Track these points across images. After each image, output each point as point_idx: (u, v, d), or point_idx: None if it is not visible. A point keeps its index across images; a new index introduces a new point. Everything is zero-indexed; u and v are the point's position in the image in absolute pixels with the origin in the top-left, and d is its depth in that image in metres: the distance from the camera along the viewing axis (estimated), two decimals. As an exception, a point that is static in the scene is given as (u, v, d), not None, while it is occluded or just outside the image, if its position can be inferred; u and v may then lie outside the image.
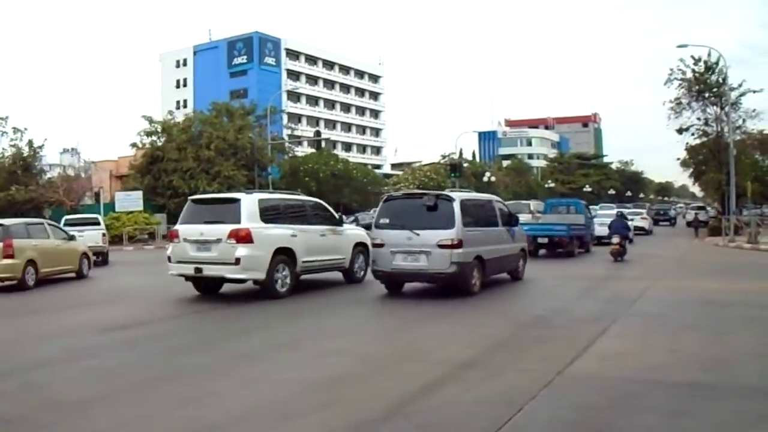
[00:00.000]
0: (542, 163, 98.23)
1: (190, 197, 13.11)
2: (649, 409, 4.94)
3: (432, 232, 11.04)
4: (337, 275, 13.83)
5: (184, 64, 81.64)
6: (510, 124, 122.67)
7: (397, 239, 11.26)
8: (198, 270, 11.31)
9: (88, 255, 17.13)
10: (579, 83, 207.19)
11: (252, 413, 5.03)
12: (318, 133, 43.94)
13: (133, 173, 39.97)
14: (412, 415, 4.94)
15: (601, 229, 23.73)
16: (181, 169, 37.65)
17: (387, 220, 11.64)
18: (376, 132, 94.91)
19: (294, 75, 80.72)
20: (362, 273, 13.86)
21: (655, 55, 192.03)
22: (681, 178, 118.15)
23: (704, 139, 37.03)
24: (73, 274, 16.24)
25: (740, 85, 34.01)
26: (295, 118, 70.79)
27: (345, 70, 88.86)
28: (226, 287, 12.34)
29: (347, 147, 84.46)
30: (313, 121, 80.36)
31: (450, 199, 11.37)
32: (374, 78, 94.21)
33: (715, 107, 35.39)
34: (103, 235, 22.38)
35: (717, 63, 33.76)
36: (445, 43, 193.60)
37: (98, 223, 23.44)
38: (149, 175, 38.79)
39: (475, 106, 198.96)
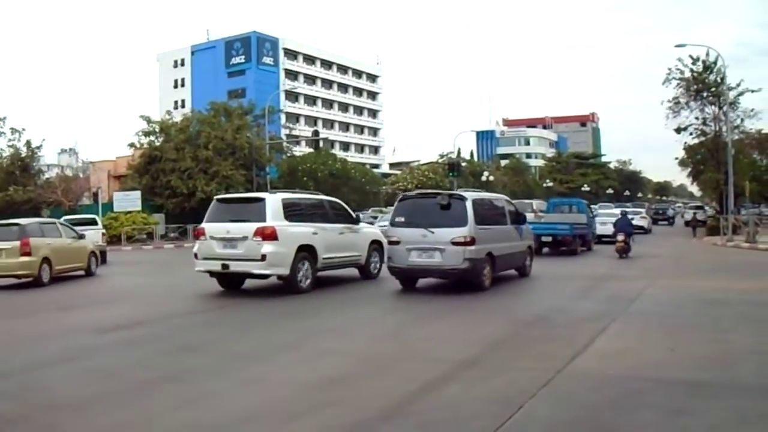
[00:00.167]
0: (540, 162, 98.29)
1: (215, 197, 13.48)
2: (648, 407, 4.96)
3: (446, 230, 11.39)
4: (353, 272, 14.22)
5: (182, 64, 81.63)
6: (508, 123, 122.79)
7: (413, 237, 11.63)
8: (225, 266, 11.68)
9: (96, 253, 17.60)
10: (577, 83, 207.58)
11: (252, 413, 5.04)
12: (316, 133, 43.83)
13: (131, 173, 39.87)
14: (413, 414, 4.95)
15: (603, 228, 24.23)
16: (179, 169, 37.56)
17: (402, 219, 12.03)
18: (374, 131, 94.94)
19: (292, 75, 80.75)
20: (377, 269, 14.32)
21: (653, 55, 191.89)
22: (679, 177, 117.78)
23: (702, 138, 36.99)
24: (82, 272, 16.64)
25: (738, 85, 34.00)
26: (293, 117, 70.65)
27: (343, 69, 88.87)
28: (247, 283, 12.74)
29: (345, 146, 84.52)
30: (311, 120, 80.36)
31: (463, 199, 11.77)
32: (372, 77, 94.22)
33: (713, 107, 35.38)
34: (103, 234, 22.68)
35: (715, 62, 33.75)
36: (443, 42, 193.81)
37: (96, 223, 23.71)
38: (147, 175, 38.72)
39: (473, 105, 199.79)
